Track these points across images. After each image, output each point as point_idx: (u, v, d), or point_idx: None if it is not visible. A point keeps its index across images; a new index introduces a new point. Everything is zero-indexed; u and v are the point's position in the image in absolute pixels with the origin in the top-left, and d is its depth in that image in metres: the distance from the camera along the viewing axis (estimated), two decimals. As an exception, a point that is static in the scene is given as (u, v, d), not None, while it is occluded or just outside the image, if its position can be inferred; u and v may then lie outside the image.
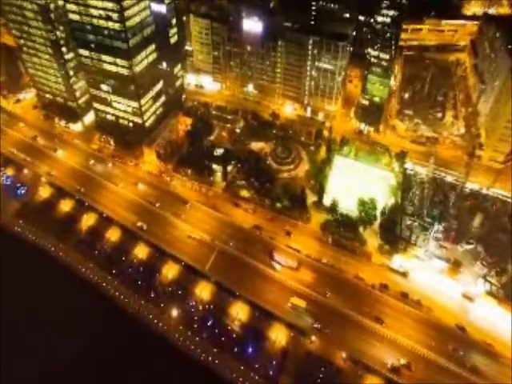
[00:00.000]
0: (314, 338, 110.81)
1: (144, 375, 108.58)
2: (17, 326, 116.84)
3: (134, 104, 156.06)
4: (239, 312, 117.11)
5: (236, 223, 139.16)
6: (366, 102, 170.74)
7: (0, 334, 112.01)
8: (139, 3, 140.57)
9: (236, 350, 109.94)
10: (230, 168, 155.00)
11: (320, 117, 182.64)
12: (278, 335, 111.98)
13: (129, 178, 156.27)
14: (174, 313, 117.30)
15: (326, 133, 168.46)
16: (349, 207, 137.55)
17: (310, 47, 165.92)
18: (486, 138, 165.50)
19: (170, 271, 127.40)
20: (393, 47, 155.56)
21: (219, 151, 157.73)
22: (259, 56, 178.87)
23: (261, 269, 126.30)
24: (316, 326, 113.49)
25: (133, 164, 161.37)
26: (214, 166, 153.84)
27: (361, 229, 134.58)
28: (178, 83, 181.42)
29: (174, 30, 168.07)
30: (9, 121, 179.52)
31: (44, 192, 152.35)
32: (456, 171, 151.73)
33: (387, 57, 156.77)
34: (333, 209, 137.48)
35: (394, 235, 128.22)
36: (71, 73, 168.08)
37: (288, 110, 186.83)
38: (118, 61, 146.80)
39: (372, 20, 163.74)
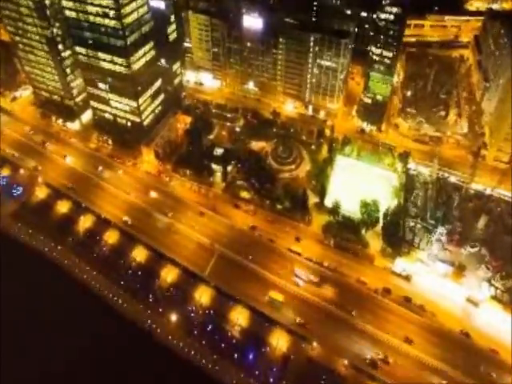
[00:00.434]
0: (315, 344, 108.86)
1: (143, 382, 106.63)
2: (12, 328, 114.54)
3: (132, 103, 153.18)
4: (239, 317, 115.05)
5: (236, 226, 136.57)
6: (368, 101, 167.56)
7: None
8: (137, 0, 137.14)
9: (236, 356, 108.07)
10: (229, 168, 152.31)
11: (321, 115, 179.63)
12: (279, 341, 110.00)
13: (127, 178, 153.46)
14: (173, 318, 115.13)
15: (327, 132, 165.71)
16: (351, 209, 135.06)
17: (311, 44, 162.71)
18: (490, 137, 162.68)
19: (169, 275, 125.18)
20: (396, 45, 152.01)
21: (219, 151, 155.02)
22: (259, 53, 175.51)
23: (260, 273, 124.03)
24: (298, 321, 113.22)
25: (131, 164, 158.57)
26: (214, 166, 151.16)
27: (363, 231, 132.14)
28: (176, 81, 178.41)
29: (172, 27, 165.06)
30: (5, 119, 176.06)
31: (41, 192, 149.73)
32: (459, 171, 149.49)
33: (390, 55, 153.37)
34: (335, 210, 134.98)
35: (397, 238, 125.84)
36: (68, 70, 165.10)
37: (289, 107, 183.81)
38: (116, 59, 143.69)
39: (375, 16, 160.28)
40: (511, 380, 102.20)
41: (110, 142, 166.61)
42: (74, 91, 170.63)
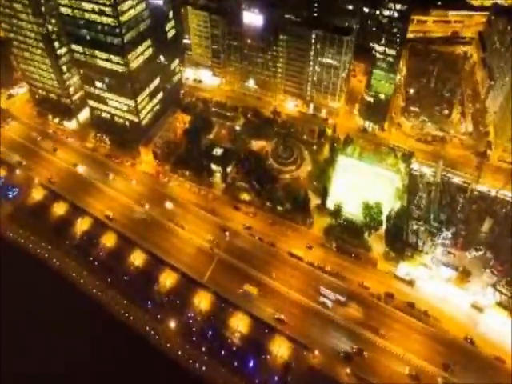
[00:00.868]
0: (316, 352, 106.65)
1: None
2: (7, 330, 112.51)
3: (130, 102, 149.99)
4: (239, 324, 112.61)
5: (236, 229, 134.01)
6: (370, 99, 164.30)
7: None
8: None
9: (236, 364, 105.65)
10: (229, 169, 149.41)
11: (323, 113, 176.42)
12: (280, 348, 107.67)
13: (124, 179, 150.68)
14: (172, 324, 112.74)
15: (329, 131, 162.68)
16: (353, 211, 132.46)
17: (312, 41, 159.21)
18: (494, 136, 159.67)
19: (168, 279, 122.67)
20: (400, 42, 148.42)
21: (218, 151, 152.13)
22: (260, 50, 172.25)
23: (260, 278, 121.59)
24: (277, 316, 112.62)
25: (129, 164, 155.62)
26: (213, 167, 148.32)
27: (366, 234, 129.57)
28: (175, 79, 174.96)
29: (171, 24, 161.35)
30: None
31: (37, 194, 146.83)
32: (463, 172, 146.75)
33: (394, 53, 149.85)
34: (336, 213, 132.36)
35: (401, 242, 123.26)
36: (64, 68, 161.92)
37: (290, 106, 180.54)
38: (113, 57, 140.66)
39: (378, 12, 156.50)
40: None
41: (107, 141, 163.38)
42: (71, 89, 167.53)
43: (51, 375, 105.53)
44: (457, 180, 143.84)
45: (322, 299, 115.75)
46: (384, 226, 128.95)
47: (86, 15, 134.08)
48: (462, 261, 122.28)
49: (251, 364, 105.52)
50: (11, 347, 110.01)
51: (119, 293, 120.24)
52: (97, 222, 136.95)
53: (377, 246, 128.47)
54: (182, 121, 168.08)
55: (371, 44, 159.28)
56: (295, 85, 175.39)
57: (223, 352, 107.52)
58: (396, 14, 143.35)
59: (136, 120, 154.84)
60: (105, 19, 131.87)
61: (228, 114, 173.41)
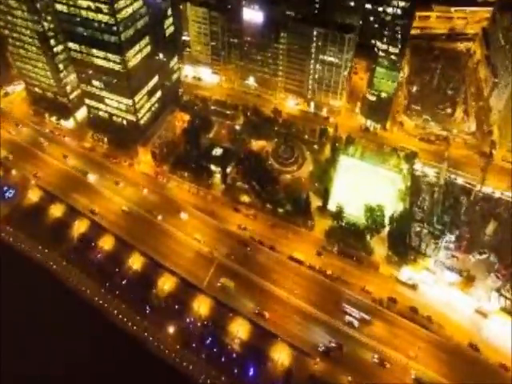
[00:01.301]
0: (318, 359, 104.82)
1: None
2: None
3: (128, 101, 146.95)
4: (239, 329, 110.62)
5: (236, 233, 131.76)
6: (372, 98, 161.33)
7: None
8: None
9: (236, 371, 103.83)
10: (229, 169, 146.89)
11: (324, 112, 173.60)
12: (281, 355, 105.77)
13: (122, 180, 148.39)
14: (171, 330, 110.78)
15: (330, 130, 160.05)
16: (355, 213, 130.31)
17: (314, 39, 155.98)
18: (499, 136, 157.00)
19: (167, 284, 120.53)
20: (403, 40, 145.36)
21: (218, 151, 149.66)
22: (260, 47, 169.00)
23: (260, 284, 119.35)
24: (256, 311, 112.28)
25: (127, 164, 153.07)
26: (213, 168, 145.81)
27: (368, 237, 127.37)
28: (174, 77, 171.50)
29: (169, 21, 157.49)
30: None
31: (33, 195, 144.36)
32: (467, 172, 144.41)
33: (397, 51, 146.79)
34: (338, 215, 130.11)
35: (403, 245, 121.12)
36: (61, 66, 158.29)
37: (290, 104, 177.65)
38: (110, 55, 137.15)
39: (381, 9, 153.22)
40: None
41: (105, 141, 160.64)
42: (68, 88, 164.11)
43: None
44: (460, 181, 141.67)
45: (347, 318, 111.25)
46: (387, 229, 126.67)
47: (83, 13, 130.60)
48: (466, 264, 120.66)
49: (251, 371, 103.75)
50: (11, 349, 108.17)
51: (117, 297, 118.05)
52: (94, 224, 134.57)
53: (379, 249, 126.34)
54: (180, 120, 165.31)
55: (373, 41, 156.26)
56: (296, 83, 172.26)
57: (223, 359, 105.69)
58: (399, 12, 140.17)
59: (134, 119, 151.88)
60: (101, 17, 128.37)
61: (228, 112, 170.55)
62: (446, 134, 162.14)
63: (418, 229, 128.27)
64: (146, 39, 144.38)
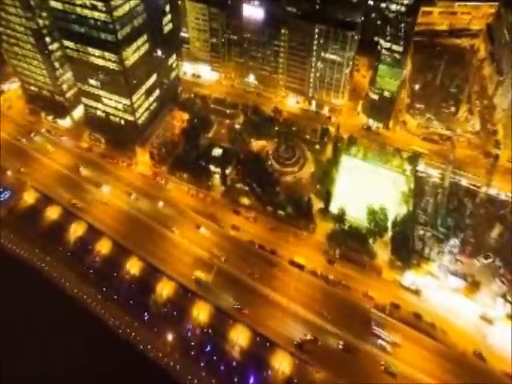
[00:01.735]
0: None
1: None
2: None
3: (125, 100, 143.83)
4: (239, 337, 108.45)
5: (236, 236, 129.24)
6: (375, 97, 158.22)
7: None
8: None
9: (236, 379, 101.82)
10: (229, 170, 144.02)
11: (325, 111, 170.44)
12: (282, 363, 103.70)
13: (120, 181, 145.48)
14: (170, 337, 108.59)
15: (332, 130, 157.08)
16: (357, 215, 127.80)
17: (315, 36, 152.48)
18: (504, 135, 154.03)
19: (165, 289, 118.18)
20: (407, 38, 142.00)
21: (217, 151, 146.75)
22: (260, 44, 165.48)
23: (261, 290, 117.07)
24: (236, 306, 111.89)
25: (125, 165, 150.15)
26: (212, 168, 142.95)
27: (370, 240, 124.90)
28: (173, 75, 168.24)
29: (167, 18, 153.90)
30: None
31: (29, 197, 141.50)
32: (471, 173, 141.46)
33: (401, 49, 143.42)
34: (340, 217, 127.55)
35: (407, 250, 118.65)
36: (57, 64, 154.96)
37: (291, 102, 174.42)
38: (106, 54, 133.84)
39: (384, 5, 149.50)
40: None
41: (102, 140, 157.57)
42: (64, 86, 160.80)
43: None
44: (464, 182, 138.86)
45: (379, 342, 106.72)
46: (390, 233, 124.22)
47: (78, 10, 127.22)
48: (471, 269, 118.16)
49: (252, 380, 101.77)
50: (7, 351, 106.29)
51: (114, 303, 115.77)
52: (91, 228, 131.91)
53: (382, 253, 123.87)
54: (179, 119, 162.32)
55: (376, 38, 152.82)
56: (297, 81, 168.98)
57: (222, 367, 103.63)
58: (403, 9, 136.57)
59: (132, 119, 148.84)
60: (97, 14, 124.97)
61: (227, 111, 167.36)
62: (450, 133, 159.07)
63: (422, 232, 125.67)
64: (144, 37, 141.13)
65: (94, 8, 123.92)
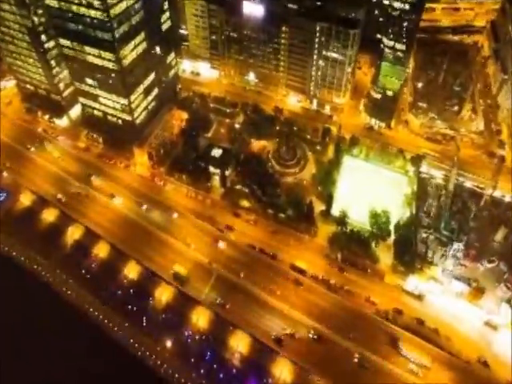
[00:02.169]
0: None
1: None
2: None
3: (123, 100, 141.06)
4: (239, 344, 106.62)
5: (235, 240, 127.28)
6: (377, 96, 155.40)
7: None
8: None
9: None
10: (228, 171, 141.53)
11: (327, 110, 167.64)
12: (283, 371, 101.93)
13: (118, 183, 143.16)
14: (168, 344, 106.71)
15: (333, 129, 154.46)
16: (359, 218, 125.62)
17: (317, 34, 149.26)
18: (508, 135, 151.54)
19: (164, 294, 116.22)
20: (411, 37, 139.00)
21: (217, 152, 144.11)
22: (261, 42, 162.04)
23: (262, 296, 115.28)
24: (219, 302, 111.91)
25: (123, 166, 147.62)
26: (212, 169, 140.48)
27: (373, 244, 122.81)
28: (171, 73, 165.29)
29: (166, 15, 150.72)
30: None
31: (26, 199, 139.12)
32: (474, 174, 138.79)
33: (404, 47, 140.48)
34: (342, 220, 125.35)
35: (410, 254, 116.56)
36: (53, 63, 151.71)
37: (292, 101, 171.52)
38: (103, 53, 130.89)
39: (387, 2, 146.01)
40: None
41: (100, 140, 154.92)
42: (61, 85, 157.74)
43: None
44: (468, 184, 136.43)
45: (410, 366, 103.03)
46: (392, 236, 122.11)
47: (74, 8, 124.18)
48: (475, 273, 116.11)
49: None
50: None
51: (112, 308, 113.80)
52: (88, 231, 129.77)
53: (384, 256, 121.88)
54: (178, 118, 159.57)
55: (379, 36, 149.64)
56: (298, 79, 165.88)
57: (222, 375, 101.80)
58: (407, 6, 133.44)
59: (129, 119, 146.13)
60: (93, 13, 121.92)
61: (227, 110, 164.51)
62: (453, 133, 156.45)
63: (425, 235, 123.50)
64: (142, 35, 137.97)
65: (90, 6, 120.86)
